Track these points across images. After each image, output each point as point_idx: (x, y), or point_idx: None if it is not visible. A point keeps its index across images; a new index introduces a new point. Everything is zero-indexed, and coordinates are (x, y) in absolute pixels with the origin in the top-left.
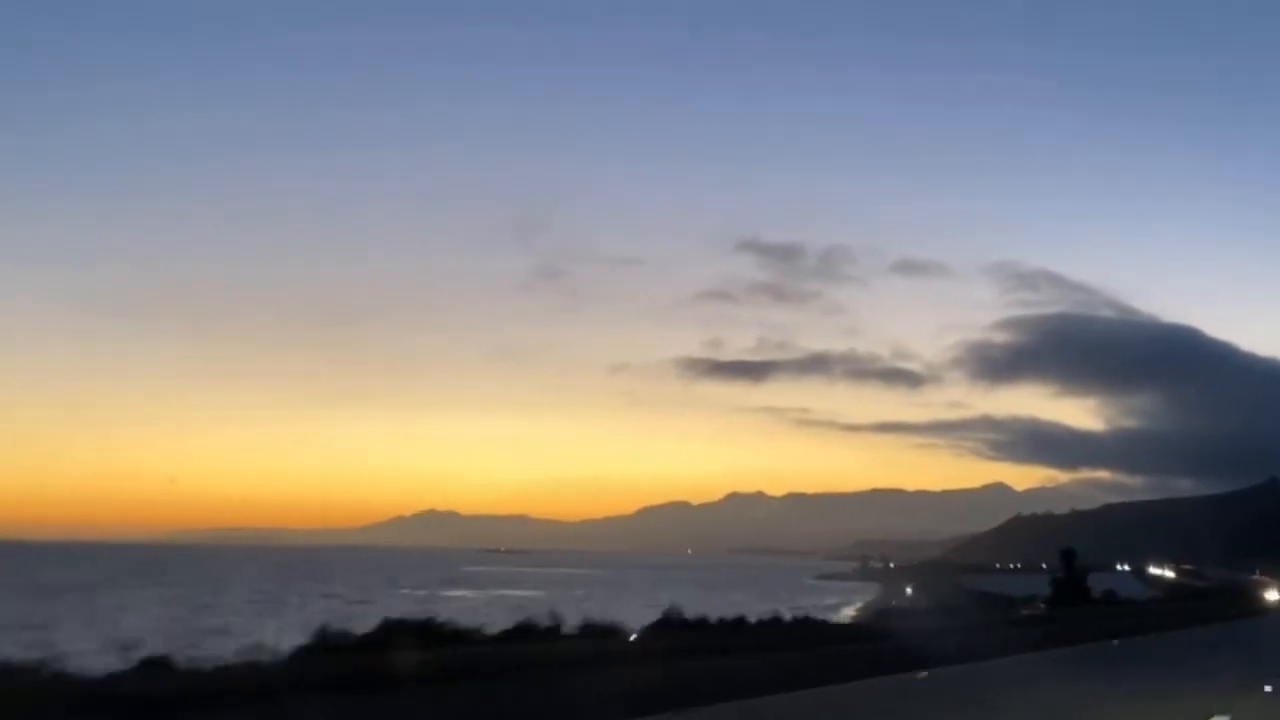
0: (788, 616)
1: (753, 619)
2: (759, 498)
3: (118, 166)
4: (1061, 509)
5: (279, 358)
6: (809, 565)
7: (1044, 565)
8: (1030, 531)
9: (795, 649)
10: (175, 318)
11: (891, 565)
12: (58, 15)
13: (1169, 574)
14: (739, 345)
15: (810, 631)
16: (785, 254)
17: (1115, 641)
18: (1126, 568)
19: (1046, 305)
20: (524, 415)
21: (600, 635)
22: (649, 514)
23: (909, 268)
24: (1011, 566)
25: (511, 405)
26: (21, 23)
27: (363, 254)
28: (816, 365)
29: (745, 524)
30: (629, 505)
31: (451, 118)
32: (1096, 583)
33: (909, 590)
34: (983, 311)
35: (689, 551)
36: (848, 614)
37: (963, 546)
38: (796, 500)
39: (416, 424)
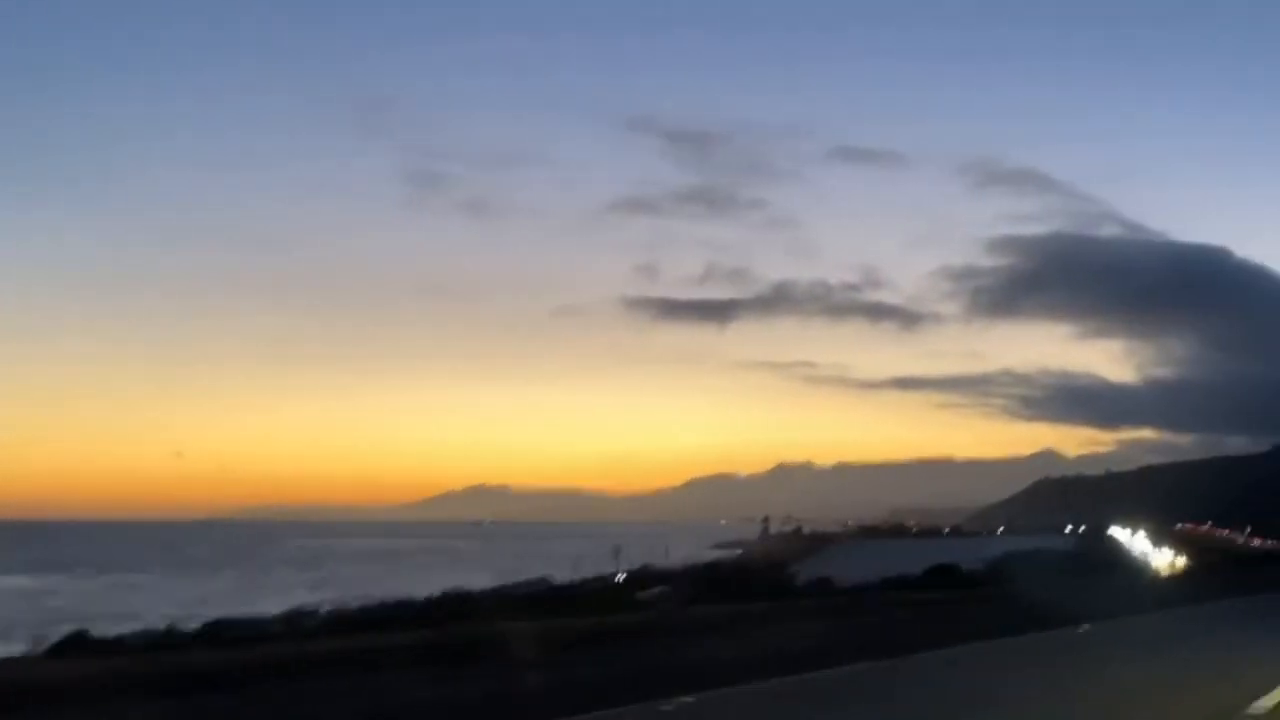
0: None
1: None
2: (806, 468)
3: None
4: (1096, 471)
5: (323, 333)
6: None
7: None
8: (1059, 496)
9: None
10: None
11: (805, 530)
12: None
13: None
14: (680, 272)
15: None
16: (693, 142)
17: None
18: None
19: (1038, 219)
20: (544, 382)
21: None
22: (698, 486)
23: (853, 156)
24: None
25: (528, 371)
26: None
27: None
28: (782, 300)
29: (792, 495)
30: (679, 477)
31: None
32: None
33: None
34: (959, 223)
35: (722, 522)
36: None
37: (988, 512)
38: (845, 470)
39: (448, 393)
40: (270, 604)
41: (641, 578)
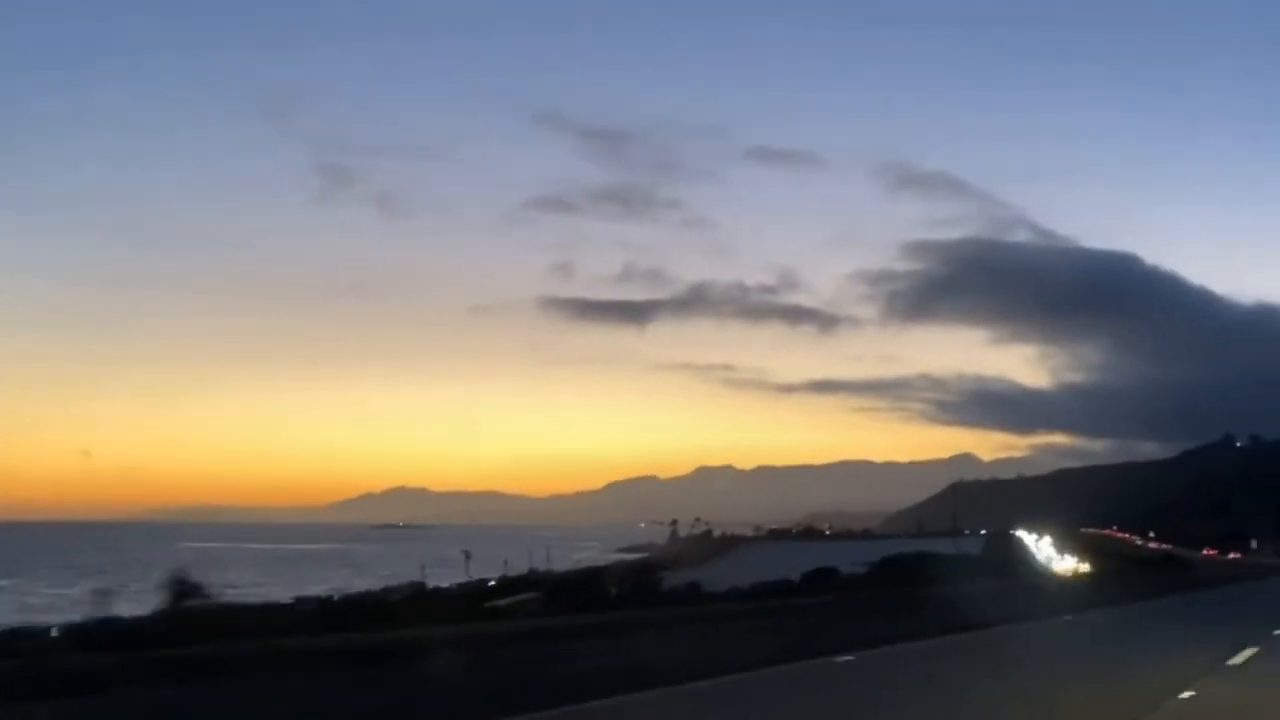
0: None
1: None
2: (727, 470)
3: None
4: (1010, 474)
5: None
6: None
7: (971, 531)
8: (971, 499)
9: None
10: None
11: (718, 534)
12: None
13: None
14: (597, 272)
15: None
16: (607, 139)
17: None
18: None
19: (952, 224)
20: (461, 383)
21: None
22: (618, 489)
23: (769, 156)
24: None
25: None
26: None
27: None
28: (700, 301)
29: (713, 498)
30: (598, 480)
31: None
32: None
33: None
34: (875, 226)
35: (642, 525)
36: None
37: (904, 515)
38: (765, 473)
39: (364, 393)
40: (105, 611)
41: (513, 583)
